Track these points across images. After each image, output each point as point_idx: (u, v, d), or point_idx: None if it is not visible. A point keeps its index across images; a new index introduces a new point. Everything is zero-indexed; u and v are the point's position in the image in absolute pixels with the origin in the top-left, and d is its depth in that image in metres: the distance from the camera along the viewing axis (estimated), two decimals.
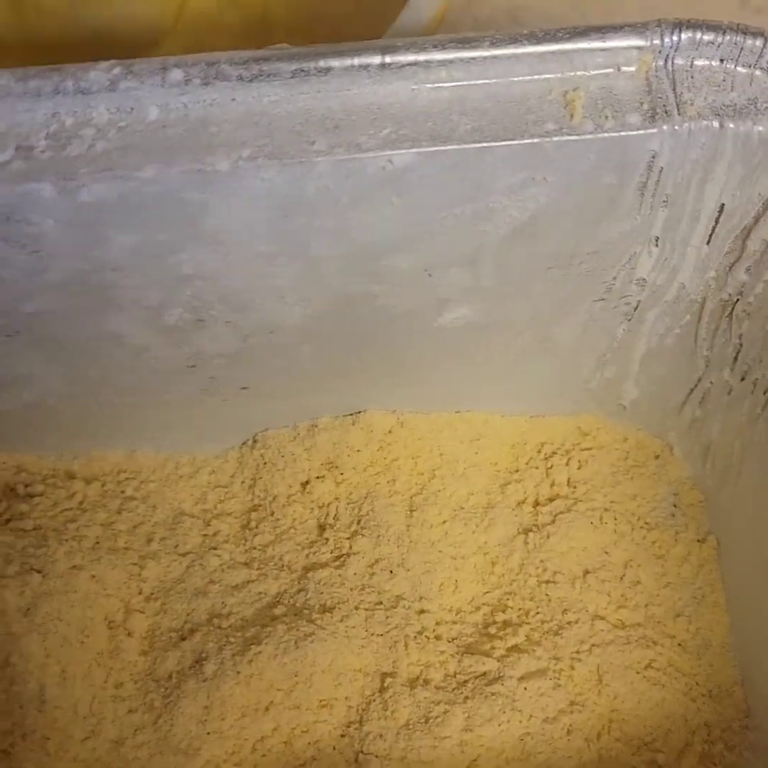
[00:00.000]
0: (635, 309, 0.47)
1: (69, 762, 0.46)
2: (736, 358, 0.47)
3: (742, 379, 0.47)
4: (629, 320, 0.48)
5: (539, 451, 0.54)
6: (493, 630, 0.49)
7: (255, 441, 0.54)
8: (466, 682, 0.48)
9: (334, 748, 0.47)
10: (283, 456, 0.53)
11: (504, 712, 0.47)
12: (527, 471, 0.54)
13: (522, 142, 0.39)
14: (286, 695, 0.47)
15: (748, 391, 0.47)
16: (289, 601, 0.50)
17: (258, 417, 0.53)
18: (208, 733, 0.46)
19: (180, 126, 0.39)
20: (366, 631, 0.49)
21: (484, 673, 0.48)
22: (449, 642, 0.49)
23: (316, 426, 0.53)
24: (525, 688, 0.47)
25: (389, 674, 0.48)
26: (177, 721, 0.47)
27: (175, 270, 0.42)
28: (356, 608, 0.49)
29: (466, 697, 0.47)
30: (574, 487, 0.53)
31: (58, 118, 0.38)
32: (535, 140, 0.39)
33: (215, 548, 0.51)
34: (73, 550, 0.50)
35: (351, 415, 0.53)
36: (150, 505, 0.53)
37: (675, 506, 0.53)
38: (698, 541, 0.52)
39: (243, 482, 0.53)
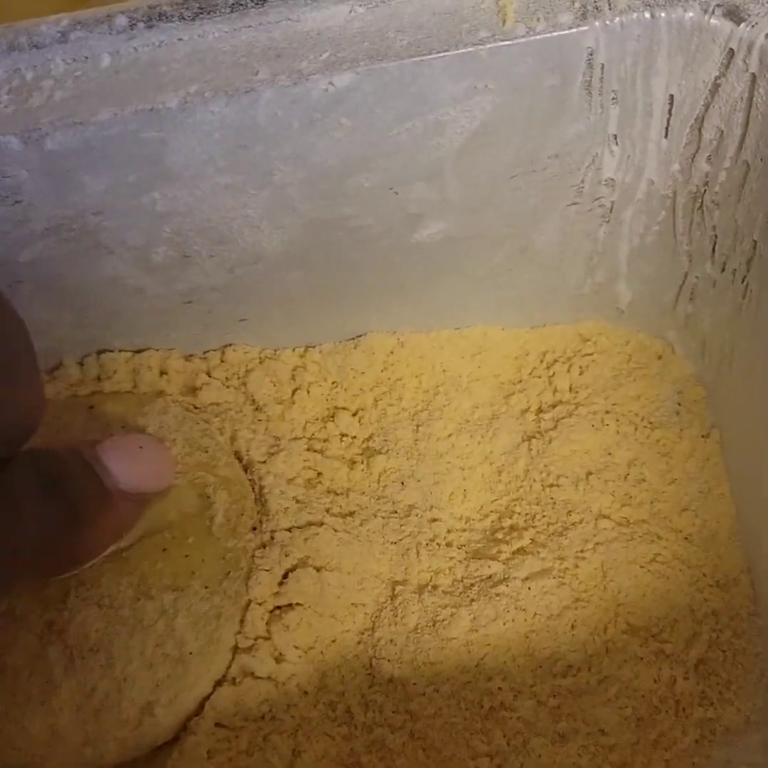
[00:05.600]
0: (611, 210, 0.48)
1: None
2: (713, 250, 0.47)
3: (722, 270, 0.47)
4: (607, 222, 0.48)
5: (541, 361, 0.55)
6: (500, 535, 0.51)
7: None
8: (472, 585, 0.49)
9: (353, 655, 0.49)
10: None
11: (508, 612, 0.48)
12: (530, 381, 0.54)
13: (456, 52, 0.40)
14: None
15: (729, 281, 0.47)
16: None
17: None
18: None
19: (132, 69, 0.41)
20: (383, 538, 0.50)
21: (490, 576, 0.49)
22: (459, 548, 0.51)
23: (320, 353, 0.54)
24: (529, 588, 0.48)
25: (400, 582, 0.50)
26: None
27: (150, 209, 0.44)
28: (374, 515, 0.51)
29: (472, 600, 0.48)
30: (576, 393, 0.53)
31: (20, 73, 0.41)
32: (470, 49, 0.40)
33: None
34: None
35: (352, 339, 0.55)
36: None
37: (679, 404, 0.53)
38: (702, 436, 0.52)
39: None
